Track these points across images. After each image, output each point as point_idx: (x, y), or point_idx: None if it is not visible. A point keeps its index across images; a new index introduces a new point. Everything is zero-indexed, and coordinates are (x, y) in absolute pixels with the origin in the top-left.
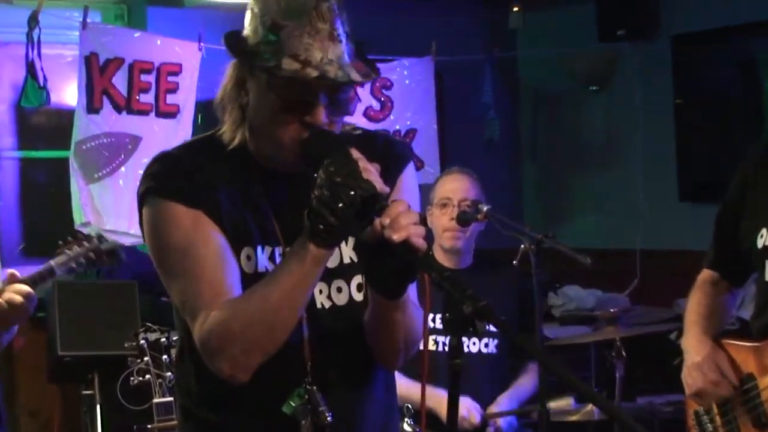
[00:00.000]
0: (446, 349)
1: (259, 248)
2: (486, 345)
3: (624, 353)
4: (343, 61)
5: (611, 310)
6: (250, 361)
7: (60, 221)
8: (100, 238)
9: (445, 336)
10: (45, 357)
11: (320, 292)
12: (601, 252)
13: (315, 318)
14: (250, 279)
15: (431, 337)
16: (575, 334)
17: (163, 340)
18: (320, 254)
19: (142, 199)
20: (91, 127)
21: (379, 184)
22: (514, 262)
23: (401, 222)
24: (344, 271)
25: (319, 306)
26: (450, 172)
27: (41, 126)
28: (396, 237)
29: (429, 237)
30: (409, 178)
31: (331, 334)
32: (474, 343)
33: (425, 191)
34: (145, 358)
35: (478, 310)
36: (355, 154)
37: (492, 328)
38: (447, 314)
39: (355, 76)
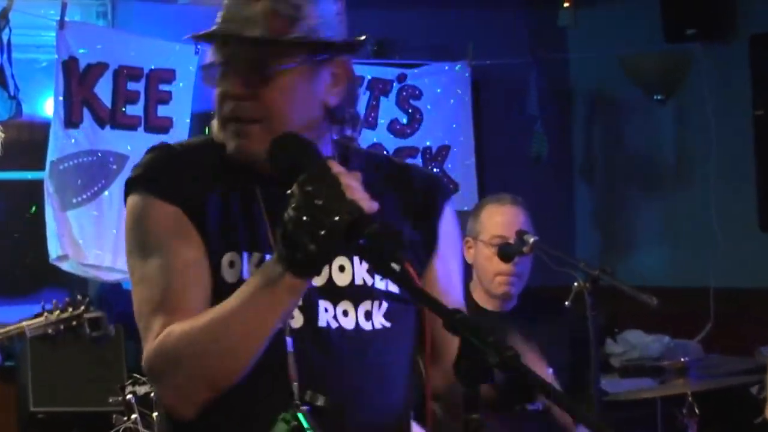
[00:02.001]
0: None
1: (245, 254)
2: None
3: (697, 410)
4: (258, 18)
5: (681, 359)
6: (197, 394)
7: (32, 254)
8: (88, 305)
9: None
10: (15, 414)
11: (325, 310)
12: (668, 291)
13: (318, 335)
14: (231, 288)
15: None
16: (638, 388)
17: (153, 394)
18: (297, 284)
19: (127, 186)
20: (69, 144)
21: (367, 204)
22: (567, 303)
23: None
24: (353, 294)
25: (323, 324)
26: (502, 202)
27: (11, 143)
28: None
29: (467, 273)
30: (450, 227)
31: (330, 356)
32: None
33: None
34: (133, 416)
35: (505, 361)
36: (335, 166)
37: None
38: (462, 362)
39: (250, 32)
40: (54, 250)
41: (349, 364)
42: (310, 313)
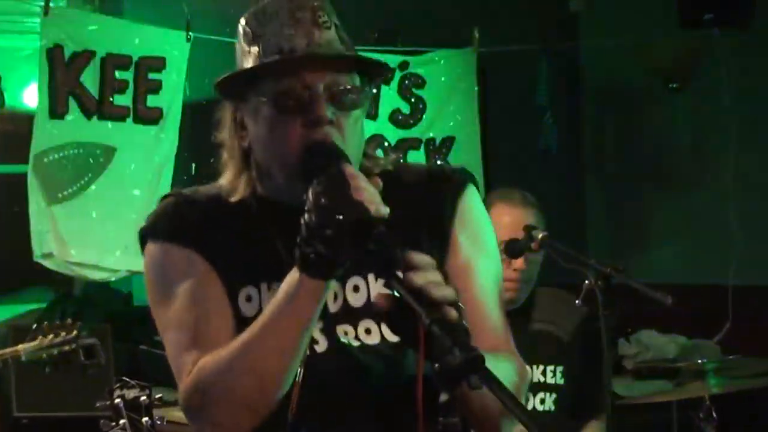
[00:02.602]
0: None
1: (263, 286)
2: (542, 401)
3: (715, 415)
4: (334, 47)
5: (698, 360)
6: (237, 422)
7: (16, 252)
8: (80, 329)
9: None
10: None
11: (345, 333)
12: (684, 289)
13: (346, 355)
14: (247, 323)
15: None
16: (653, 391)
17: (143, 398)
18: (315, 286)
19: (141, 237)
20: (54, 136)
21: (375, 207)
22: (577, 301)
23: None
24: (373, 311)
25: (347, 343)
26: (512, 202)
27: None
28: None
29: None
30: (471, 217)
31: (350, 380)
32: (527, 400)
33: None
34: (122, 421)
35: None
36: (349, 170)
37: (550, 380)
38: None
39: (350, 51)
40: (38, 247)
41: (359, 383)
42: (330, 334)
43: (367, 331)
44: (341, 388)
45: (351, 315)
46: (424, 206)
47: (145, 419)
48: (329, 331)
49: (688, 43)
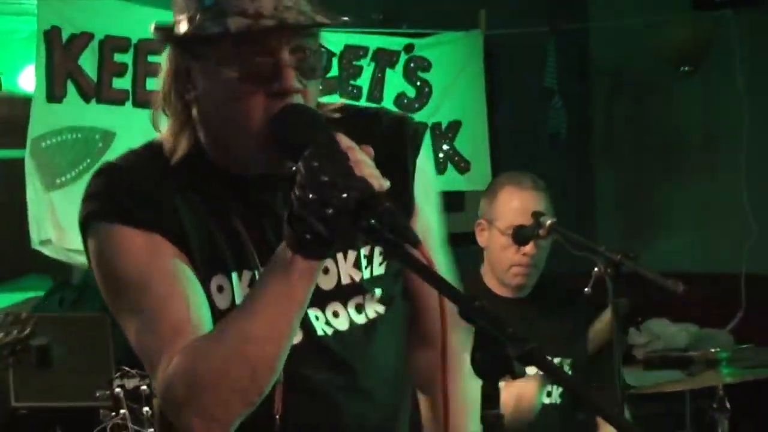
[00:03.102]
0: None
1: (234, 275)
2: (549, 394)
3: (728, 404)
4: (302, 7)
5: (710, 350)
6: (228, 413)
7: (14, 238)
8: (35, 330)
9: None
10: None
11: (316, 318)
12: (696, 277)
13: (316, 346)
14: (222, 316)
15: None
16: (664, 381)
17: (143, 387)
18: (310, 266)
19: (85, 226)
20: (52, 120)
21: (377, 181)
22: (586, 290)
23: None
24: (340, 293)
25: (320, 333)
26: (522, 186)
27: None
28: None
29: (478, 258)
30: (425, 172)
31: (323, 372)
32: None
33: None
34: (122, 411)
35: (527, 354)
36: (344, 141)
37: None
38: (478, 354)
39: (322, 18)
40: (36, 234)
41: (353, 367)
42: (306, 325)
43: (335, 314)
44: (323, 383)
45: (319, 298)
46: (399, 146)
47: (145, 409)
48: (303, 320)
49: (700, 25)
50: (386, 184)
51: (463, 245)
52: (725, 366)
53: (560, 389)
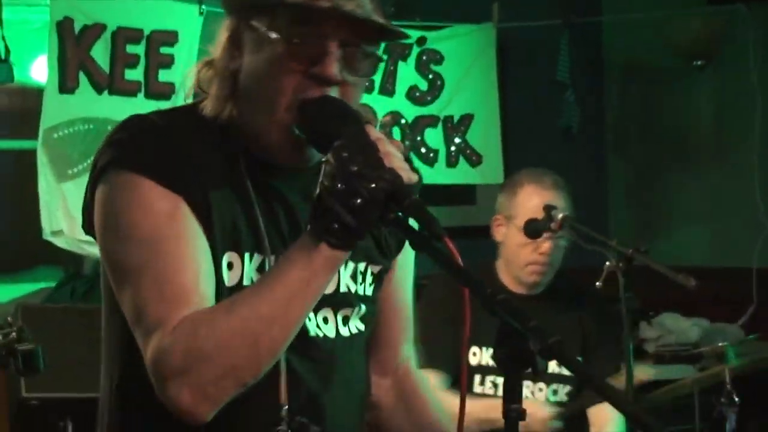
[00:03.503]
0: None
1: (246, 255)
2: (555, 392)
3: (736, 399)
4: (363, 2)
5: (720, 344)
6: (219, 390)
7: (25, 229)
8: (21, 334)
9: (499, 375)
10: (5, 400)
11: (308, 319)
12: (707, 271)
13: (305, 345)
14: (229, 292)
15: (489, 378)
16: (675, 375)
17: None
18: (335, 256)
19: (102, 172)
20: (64, 111)
21: (406, 174)
22: (597, 284)
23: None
24: (334, 300)
25: (312, 334)
26: (543, 184)
27: (2, 109)
28: None
29: (488, 251)
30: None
31: (318, 368)
32: (540, 390)
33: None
34: None
35: (548, 348)
36: (373, 133)
37: (566, 371)
38: (500, 349)
39: (378, 18)
40: (48, 224)
41: (332, 375)
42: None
43: (325, 320)
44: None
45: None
46: None
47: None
48: None
49: (713, 19)
50: (415, 177)
51: (474, 238)
52: (734, 360)
53: (567, 388)
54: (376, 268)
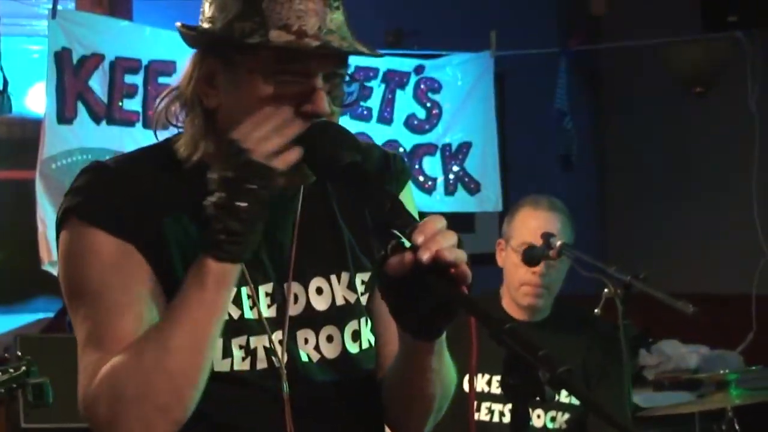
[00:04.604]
0: (503, 419)
1: None
2: (553, 419)
3: (737, 426)
4: (343, 32)
5: (721, 371)
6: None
7: (23, 259)
8: (31, 367)
9: (503, 404)
10: (5, 431)
11: (306, 341)
12: (706, 298)
13: (300, 373)
14: None
15: (485, 405)
16: (674, 402)
17: None
18: (223, 270)
19: (61, 220)
20: (62, 141)
21: (278, 162)
22: (596, 310)
23: (440, 243)
24: (336, 316)
25: (305, 359)
26: (537, 206)
27: (0, 140)
28: (426, 258)
29: (489, 279)
30: (408, 200)
31: (319, 393)
32: (539, 416)
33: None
34: None
35: (558, 378)
36: (242, 129)
37: (564, 399)
38: (510, 378)
39: (362, 48)
40: (46, 255)
41: (341, 397)
42: (291, 347)
43: (329, 338)
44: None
45: (313, 320)
46: (385, 178)
47: None
48: (289, 340)
49: (711, 46)
50: (295, 155)
51: (474, 266)
52: (735, 387)
53: (566, 416)
54: (366, 276)
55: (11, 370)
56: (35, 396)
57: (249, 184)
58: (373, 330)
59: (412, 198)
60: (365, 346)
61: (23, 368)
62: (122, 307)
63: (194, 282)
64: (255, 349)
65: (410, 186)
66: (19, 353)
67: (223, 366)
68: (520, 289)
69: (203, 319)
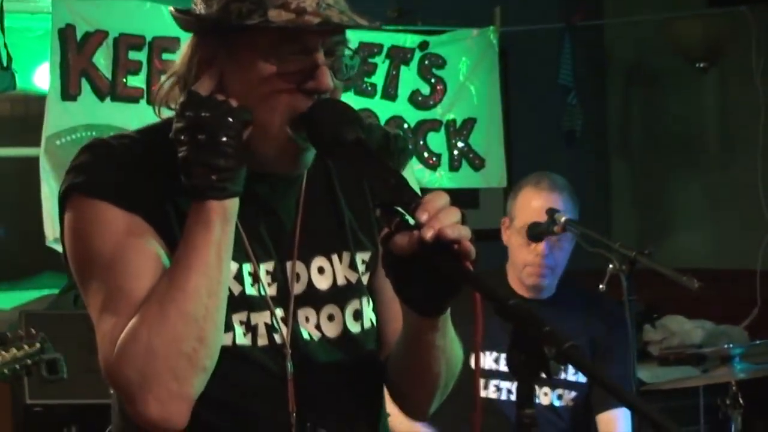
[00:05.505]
0: (510, 397)
1: None
2: (560, 397)
3: (741, 401)
4: (342, 6)
5: (725, 346)
6: (182, 383)
7: (28, 236)
8: (44, 344)
9: (512, 382)
10: (9, 407)
11: (306, 319)
12: (711, 273)
13: (301, 351)
14: None
15: (492, 383)
16: (679, 377)
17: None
18: (225, 207)
19: (65, 197)
20: (66, 118)
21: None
22: (601, 286)
23: (443, 220)
24: (337, 295)
25: (306, 337)
26: (539, 187)
27: (4, 117)
28: (429, 236)
29: (494, 255)
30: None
31: (321, 371)
32: (545, 394)
33: (489, 197)
34: None
35: (564, 353)
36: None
37: (571, 377)
38: (515, 354)
39: (362, 21)
40: (51, 231)
41: (342, 376)
42: (293, 325)
43: (330, 317)
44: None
45: (315, 298)
46: (387, 157)
47: None
48: (292, 318)
49: (715, 21)
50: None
51: (479, 242)
52: (739, 362)
53: (572, 394)
54: (366, 255)
55: (26, 347)
56: (50, 371)
57: (228, 116)
58: (375, 309)
59: (413, 178)
60: (367, 325)
61: (37, 345)
62: (135, 271)
63: (198, 225)
64: (256, 325)
65: (411, 166)
66: (33, 330)
67: (225, 340)
68: (524, 270)
69: (214, 260)
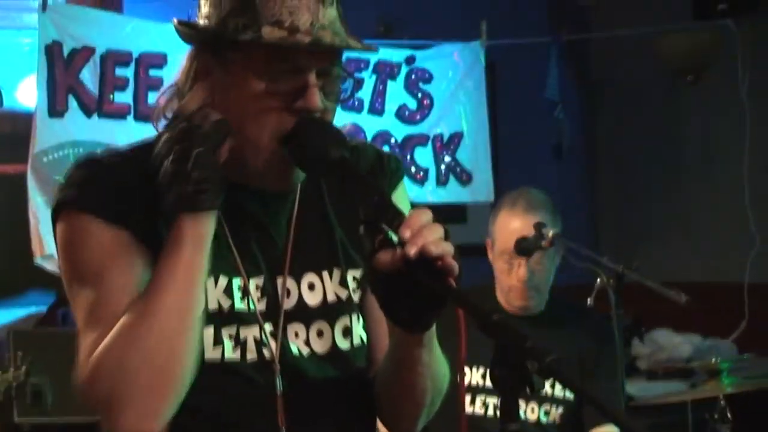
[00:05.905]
0: (497, 413)
1: (210, 280)
2: (546, 413)
3: (730, 415)
4: (336, 28)
5: (713, 360)
6: (158, 403)
7: (16, 254)
8: (30, 366)
9: (499, 397)
10: None
11: (296, 335)
12: (699, 287)
13: (290, 366)
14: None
15: (479, 398)
16: (667, 392)
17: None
18: (199, 224)
19: (57, 213)
20: (53, 135)
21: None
22: (588, 300)
23: (427, 237)
24: (327, 312)
25: (295, 352)
26: (515, 210)
27: None
28: (413, 252)
29: (480, 270)
30: (402, 199)
31: (310, 386)
32: (532, 410)
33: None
34: None
35: (547, 367)
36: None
37: (558, 393)
38: (497, 369)
39: (356, 43)
40: (38, 249)
41: (331, 392)
42: (282, 340)
43: (319, 333)
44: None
45: (305, 314)
46: (379, 177)
47: None
48: (281, 333)
49: (701, 35)
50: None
51: (466, 257)
52: (727, 376)
53: (560, 410)
54: (358, 272)
55: (11, 370)
56: (33, 398)
57: (182, 123)
58: (365, 327)
59: (406, 197)
60: (357, 342)
61: (24, 368)
62: (120, 288)
63: (172, 245)
64: (245, 339)
65: (404, 185)
66: (20, 353)
67: (214, 354)
68: (510, 294)
69: (185, 279)
